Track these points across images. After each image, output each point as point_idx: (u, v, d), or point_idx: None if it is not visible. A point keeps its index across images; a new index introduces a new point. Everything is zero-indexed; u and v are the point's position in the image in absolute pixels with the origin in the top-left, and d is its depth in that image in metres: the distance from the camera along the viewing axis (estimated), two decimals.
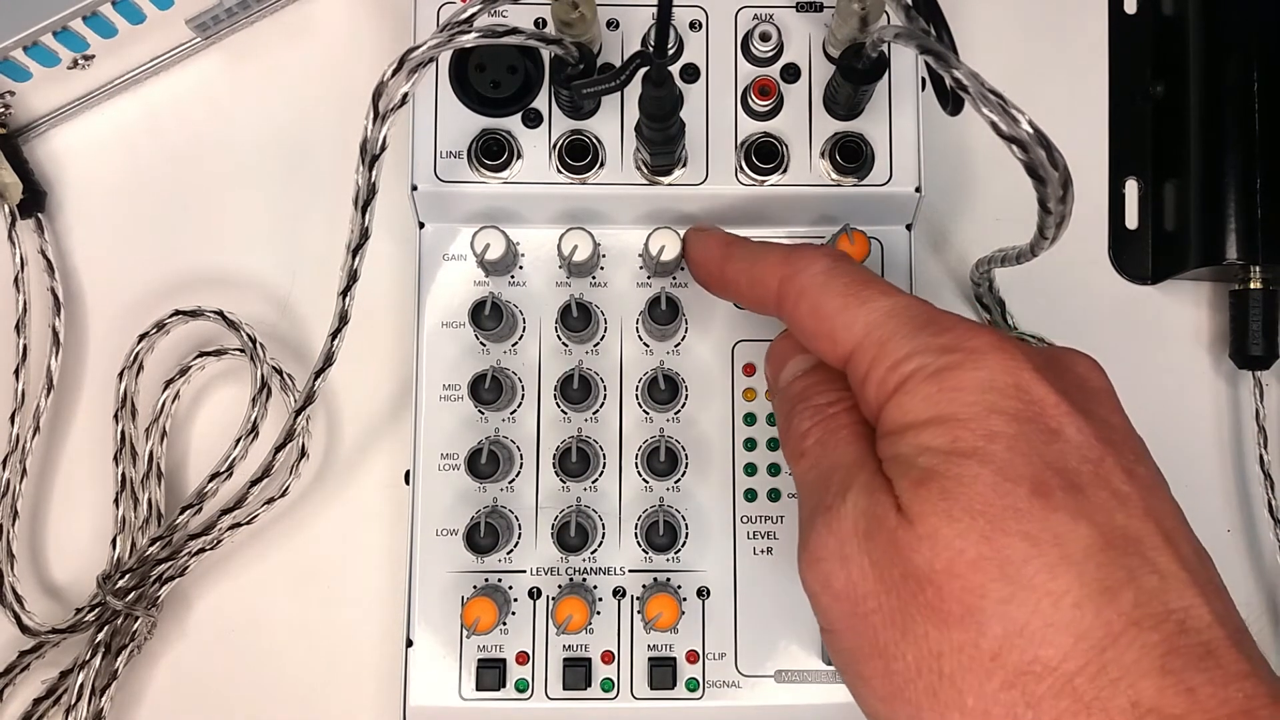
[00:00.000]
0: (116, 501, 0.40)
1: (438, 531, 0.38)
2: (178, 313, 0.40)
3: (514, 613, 0.37)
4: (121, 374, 0.40)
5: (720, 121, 0.37)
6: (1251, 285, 0.41)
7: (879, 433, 0.28)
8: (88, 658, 0.38)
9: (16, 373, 0.41)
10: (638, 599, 0.37)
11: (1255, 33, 0.41)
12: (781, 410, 0.32)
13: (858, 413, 0.29)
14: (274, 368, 0.40)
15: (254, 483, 0.38)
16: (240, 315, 0.40)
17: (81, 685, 0.38)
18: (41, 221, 0.42)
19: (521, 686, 0.37)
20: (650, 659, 0.37)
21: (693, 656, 0.37)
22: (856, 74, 0.35)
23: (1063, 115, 0.43)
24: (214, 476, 0.39)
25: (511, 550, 0.38)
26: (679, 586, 0.38)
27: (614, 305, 0.39)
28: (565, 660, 0.37)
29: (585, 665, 0.37)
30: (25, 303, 0.41)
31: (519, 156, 0.37)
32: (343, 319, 0.36)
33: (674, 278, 0.39)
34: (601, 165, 0.37)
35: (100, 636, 0.38)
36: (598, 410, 0.38)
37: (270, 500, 0.40)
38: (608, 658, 0.37)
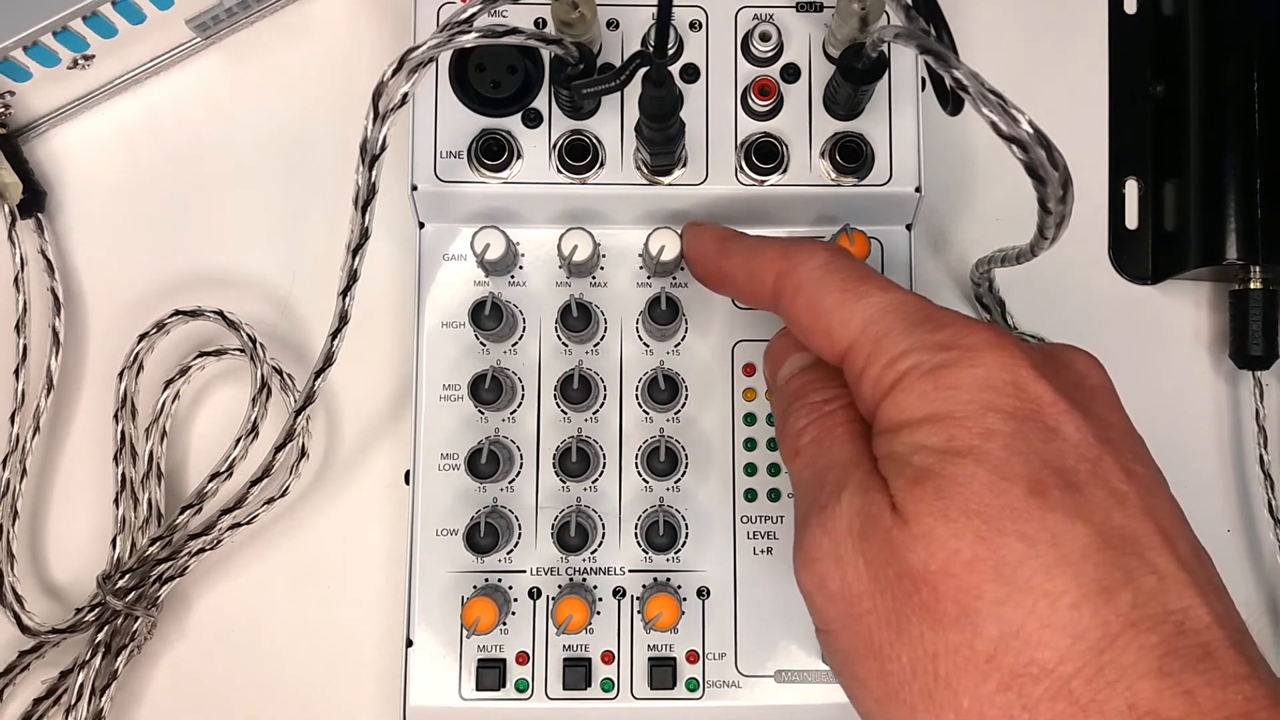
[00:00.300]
0: (116, 501, 0.40)
1: (438, 531, 0.38)
2: (178, 313, 0.40)
3: (514, 613, 0.37)
4: (121, 374, 0.40)
5: (720, 121, 0.37)
6: (1251, 285, 0.41)
7: (875, 430, 0.27)
8: (88, 658, 0.38)
9: (16, 373, 0.41)
10: (638, 599, 0.37)
11: (1255, 33, 0.41)
12: (778, 408, 0.32)
13: (854, 410, 0.29)
14: (274, 368, 0.40)
15: (254, 483, 0.38)
16: (240, 315, 0.40)
17: (81, 685, 0.38)
18: (41, 221, 0.42)
19: (521, 686, 0.37)
20: (650, 659, 0.37)
21: (693, 656, 0.37)
22: (856, 74, 0.35)
23: (1063, 115, 0.43)
24: (214, 476, 0.39)
25: (511, 550, 0.38)
26: (679, 586, 0.38)
27: (614, 305, 0.39)
28: (565, 660, 0.37)
29: (585, 665, 0.37)
30: (25, 303, 0.41)
31: (519, 156, 0.37)
32: (343, 319, 0.36)
33: (674, 278, 0.39)
34: (601, 165, 0.37)
35: (100, 636, 0.38)
36: (598, 410, 0.38)
37: (270, 500, 0.40)
38: (608, 658, 0.37)
